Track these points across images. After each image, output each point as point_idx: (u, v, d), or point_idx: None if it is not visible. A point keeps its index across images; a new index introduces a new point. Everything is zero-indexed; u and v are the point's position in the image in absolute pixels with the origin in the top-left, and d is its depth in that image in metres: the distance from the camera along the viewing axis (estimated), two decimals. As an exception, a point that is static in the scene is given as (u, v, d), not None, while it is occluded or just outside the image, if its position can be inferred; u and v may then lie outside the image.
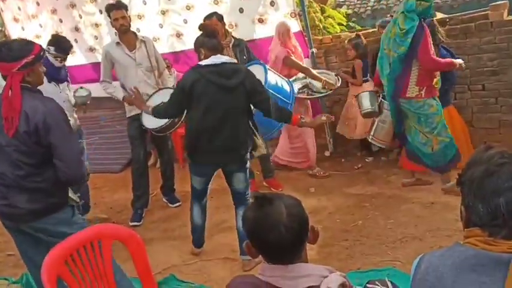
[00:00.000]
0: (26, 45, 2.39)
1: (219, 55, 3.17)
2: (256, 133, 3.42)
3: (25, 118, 2.30)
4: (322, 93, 4.77)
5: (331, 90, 4.71)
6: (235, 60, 3.37)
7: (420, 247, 3.26)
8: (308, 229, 1.40)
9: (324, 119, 3.45)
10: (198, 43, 3.24)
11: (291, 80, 4.59)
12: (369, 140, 4.60)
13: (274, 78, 4.14)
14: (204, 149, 3.21)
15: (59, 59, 4.02)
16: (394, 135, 4.36)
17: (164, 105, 3.34)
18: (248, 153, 3.36)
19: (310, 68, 4.83)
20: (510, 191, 1.14)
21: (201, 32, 3.28)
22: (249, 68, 4.23)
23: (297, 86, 4.68)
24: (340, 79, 4.84)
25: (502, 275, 1.10)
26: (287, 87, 4.22)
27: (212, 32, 3.29)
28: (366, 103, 4.37)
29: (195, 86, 3.07)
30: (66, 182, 2.45)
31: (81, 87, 4.38)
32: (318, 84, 4.77)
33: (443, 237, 3.34)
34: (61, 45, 4.08)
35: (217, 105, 3.10)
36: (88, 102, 4.34)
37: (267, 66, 4.26)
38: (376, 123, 4.43)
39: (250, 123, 3.33)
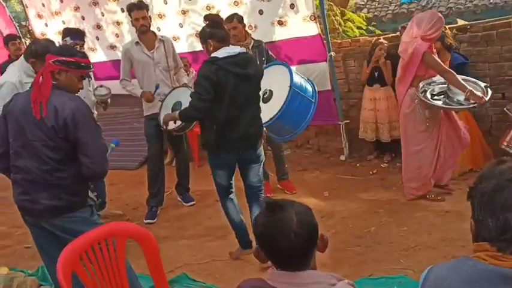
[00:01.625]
0: (76, 51, 2.64)
1: (231, 46, 3.17)
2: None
3: (54, 112, 2.38)
4: (463, 105, 3.92)
5: (475, 104, 3.82)
6: (245, 49, 3.38)
7: (433, 256, 3.24)
8: (317, 237, 1.42)
9: None
10: (207, 34, 3.18)
11: (425, 82, 4.00)
12: (505, 148, 3.94)
13: (299, 79, 4.15)
14: (227, 139, 3.21)
15: (77, 46, 4.11)
16: None
17: (206, 95, 3.10)
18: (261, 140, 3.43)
19: (454, 73, 3.92)
20: None
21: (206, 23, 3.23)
22: (272, 67, 4.28)
23: (428, 90, 3.99)
24: (489, 91, 3.90)
25: (510, 291, 1.10)
26: (310, 87, 4.21)
27: (218, 22, 3.26)
28: None
29: (218, 77, 3.06)
30: (89, 177, 2.52)
31: (101, 86, 4.42)
32: (459, 94, 3.89)
33: (457, 247, 3.30)
34: (74, 32, 4.23)
35: (238, 94, 3.14)
36: (109, 100, 4.39)
37: (291, 67, 4.26)
38: None
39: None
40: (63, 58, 2.45)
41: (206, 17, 3.30)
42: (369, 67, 5.16)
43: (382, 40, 5.19)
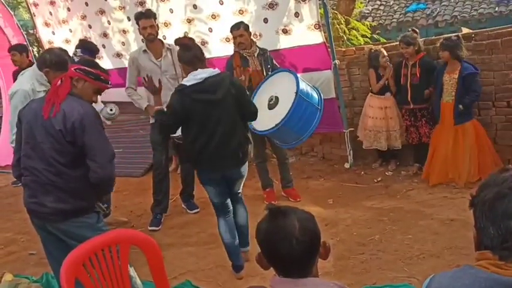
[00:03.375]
0: (98, 65, 2.73)
1: (199, 70, 3.11)
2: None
3: (62, 116, 2.44)
4: None
5: None
6: (217, 71, 3.25)
7: (437, 265, 3.23)
8: (319, 244, 1.42)
9: None
10: (178, 58, 3.29)
11: None
12: None
13: (305, 86, 4.16)
14: (204, 159, 3.21)
15: None
16: None
17: (167, 121, 3.26)
18: (245, 158, 3.38)
19: None
20: None
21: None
22: (278, 74, 4.30)
23: None
24: None
25: (512, 300, 1.10)
26: (316, 95, 4.23)
27: (185, 45, 3.26)
28: None
29: (184, 105, 3.07)
30: (96, 183, 2.53)
31: (110, 108, 4.17)
32: None
33: (462, 256, 3.29)
34: (87, 46, 4.23)
35: (208, 119, 3.11)
36: (116, 118, 4.33)
37: (298, 75, 4.28)
38: None
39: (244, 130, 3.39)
40: (85, 67, 2.57)
41: (176, 42, 3.39)
42: (384, 78, 5.05)
43: (376, 48, 5.19)
